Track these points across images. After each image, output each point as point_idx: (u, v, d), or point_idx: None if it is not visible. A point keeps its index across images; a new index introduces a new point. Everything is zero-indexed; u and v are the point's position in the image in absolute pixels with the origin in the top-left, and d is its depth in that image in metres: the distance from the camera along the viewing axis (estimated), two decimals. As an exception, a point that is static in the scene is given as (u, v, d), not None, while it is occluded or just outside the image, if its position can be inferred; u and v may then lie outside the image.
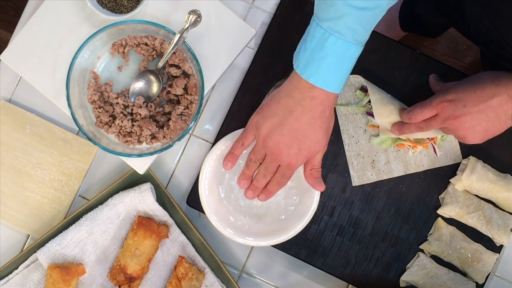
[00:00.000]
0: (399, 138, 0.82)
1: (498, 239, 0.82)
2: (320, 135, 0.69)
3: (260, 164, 0.74)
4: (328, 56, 0.63)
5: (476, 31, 0.76)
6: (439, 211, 0.83)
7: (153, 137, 0.79)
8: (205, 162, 0.80)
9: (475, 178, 0.80)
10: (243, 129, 0.79)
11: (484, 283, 0.83)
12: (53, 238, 0.79)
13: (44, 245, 0.79)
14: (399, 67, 0.83)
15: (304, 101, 0.66)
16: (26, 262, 0.80)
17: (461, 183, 0.81)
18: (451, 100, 0.70)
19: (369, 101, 0.81)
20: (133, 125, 0.79)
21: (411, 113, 0.74)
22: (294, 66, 0.66)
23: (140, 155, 0.76)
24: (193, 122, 0.77)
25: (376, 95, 0.79)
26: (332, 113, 0.70)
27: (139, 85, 0.80)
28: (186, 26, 0.76)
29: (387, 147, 0.82)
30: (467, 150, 0.83)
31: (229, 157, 0.75)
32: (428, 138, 0.81)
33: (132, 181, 0.82)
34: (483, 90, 0.68)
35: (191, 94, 0.79)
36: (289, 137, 0.68)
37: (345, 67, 0.64)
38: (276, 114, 0.69)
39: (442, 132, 0.75)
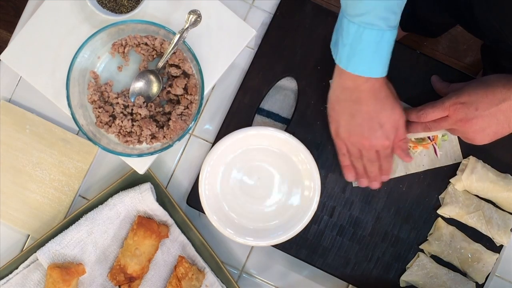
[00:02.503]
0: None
1: (498, 239, 0.82)
2: (391, 102, 0.71)
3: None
4: (367, 47, 0.65)
5: (485, 29, 0.77)
6: (439, 211, 0.83)
7: (153, 137, 0.79)
8: (205, 162, 0.80)
9: (475, 178, 0.80)
10: (243, 129, 0.79)
11: (484, 283, 0.83)
12: (53, 238, 0.79)
13: (44, 245, 0.79)
14: (399, 67, 0.83)
15: (360, 87, 0.68)
16: (26, 262, 0.80)
17: (461, 183, 0.81)
18: (464, 103, 0.70)
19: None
20: (133, 125, 0.79)
21: (421, 112, 0.74)
22: (337, 62, 0.68)
23: (140, 155, 0.76)
24: (193, 122, 0.77)
25: None
26: (388, 82, 0.72)
27: (139, 85, 0.80)
28: (186, 26, 0.76)
29: None
30: (467, 150, 0.83)
31: (346, 170, 0.78)
32: (429, 138, 0.81)
33: (132, 181, 0.82)
34: (494, 94, 0.69)
35: (191, 94, 0.79)
36: (366, 122, 0.71)
37: (385, 52, 0.67)
38: (343, 112, 0.72)
39: (449, 132, 0.75)
